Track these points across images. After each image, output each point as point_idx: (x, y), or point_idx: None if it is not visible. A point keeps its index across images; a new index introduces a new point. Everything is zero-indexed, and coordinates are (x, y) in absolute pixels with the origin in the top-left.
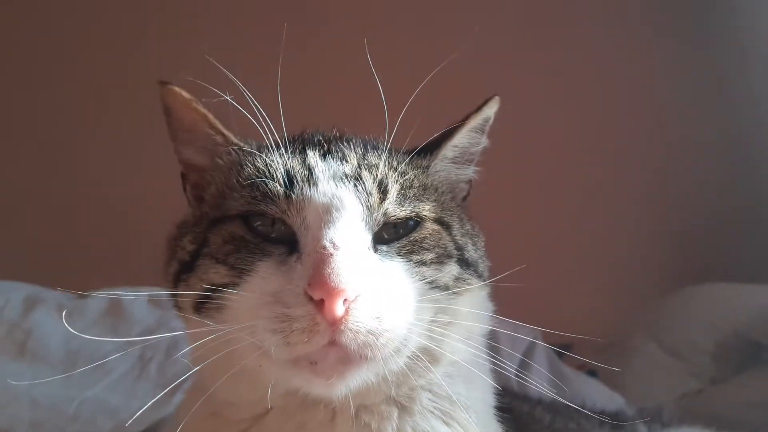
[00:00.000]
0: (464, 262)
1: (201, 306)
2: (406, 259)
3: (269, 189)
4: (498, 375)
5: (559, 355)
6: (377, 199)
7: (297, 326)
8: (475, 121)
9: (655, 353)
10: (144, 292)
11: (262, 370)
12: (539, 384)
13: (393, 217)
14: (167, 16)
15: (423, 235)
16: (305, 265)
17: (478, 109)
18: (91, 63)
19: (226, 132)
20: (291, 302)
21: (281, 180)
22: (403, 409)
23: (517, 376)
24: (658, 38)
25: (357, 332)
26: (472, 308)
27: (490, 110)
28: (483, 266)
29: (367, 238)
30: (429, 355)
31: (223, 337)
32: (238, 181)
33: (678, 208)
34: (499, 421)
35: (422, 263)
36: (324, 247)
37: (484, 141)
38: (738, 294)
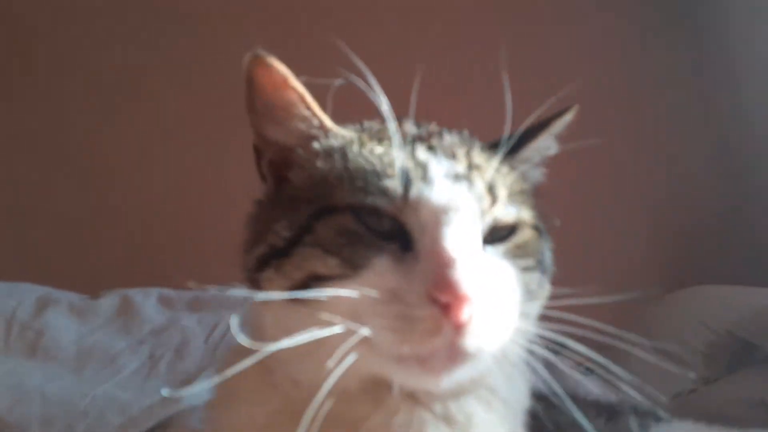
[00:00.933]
0: (543, 269)
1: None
2: (511, 263)
3: (386, 185)
4: None
5: (555, 351)
6: (489, 203)
7: (419, 327)
8: (557, 127)
9: (649, 353)
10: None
11: (357, 360)
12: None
13: (501, 222)
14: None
15: (524, 240)
16: (426, 266)
17: (560, 114)
18: (105, 64)
19: (323, 115)
20: (413, 302)
21: (399, 177)
22: (452, 393)
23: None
24: (650, 42)
25: (478, 337)
26: (538, 314)
27: (569, 117)
28: (551, 272)
29: (481, 241)
30: (503, 357)
31: (323, 325)
32: (346, 170)
33: (671, 210)
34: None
35: (526, 269)
36: (447, 250)
37: (555, 146)
38: (730, 295)
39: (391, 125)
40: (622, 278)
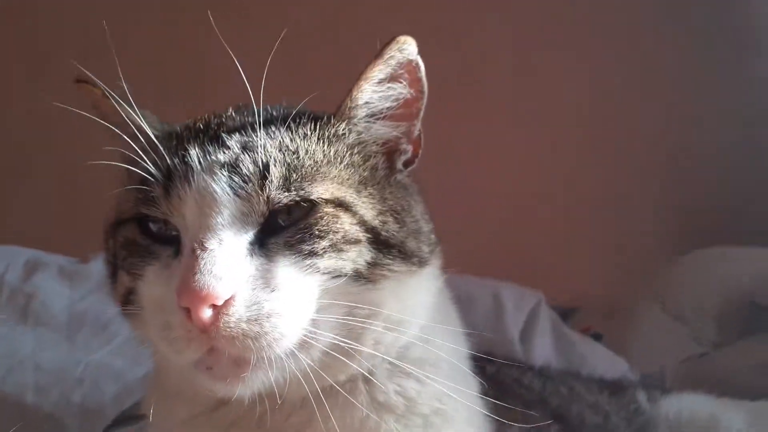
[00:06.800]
0: (382, 244)
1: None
2: (295, 251)
3: (151, 189)
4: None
5: (564, 317)
6: (256, 187)
7: (175, 334)
8: (376, 71)
9: (659, 317)
10: None
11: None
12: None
13: (278, 205)
14: None
15: (314, 221)
16: (179, 270)
17: (377, 55)
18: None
19: (128, 119)
20: (169, 309)
21: (160, 179)
22: (366, 380)
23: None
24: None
25: (232, 337)
26: (399, 296)
27: (401, 54)
28: (414, 245)
29: (246, 232)
30: (343, 351)
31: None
32: (130, 177)
33: (684, 170)
34: (475, 372)
35: (313, 253)
36: (192, 249)
37: (405, 91)
38: (744, 258)
39: (139, 121)
40: (632, 240)
